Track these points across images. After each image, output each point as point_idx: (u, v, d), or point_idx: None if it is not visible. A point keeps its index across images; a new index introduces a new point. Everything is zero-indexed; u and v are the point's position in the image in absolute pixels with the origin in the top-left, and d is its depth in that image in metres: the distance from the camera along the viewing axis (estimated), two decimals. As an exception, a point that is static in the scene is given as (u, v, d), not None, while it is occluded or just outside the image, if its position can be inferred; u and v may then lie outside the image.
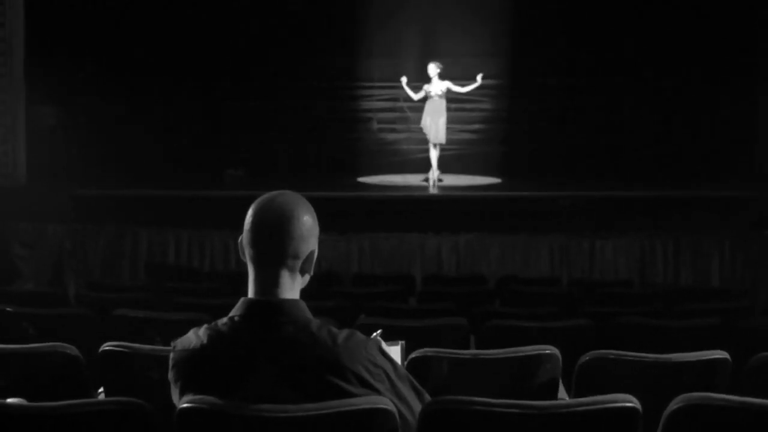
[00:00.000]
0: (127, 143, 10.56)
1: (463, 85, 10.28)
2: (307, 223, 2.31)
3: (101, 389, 3.16)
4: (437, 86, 10.26)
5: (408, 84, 10.44)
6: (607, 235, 8.62)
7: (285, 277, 2.29)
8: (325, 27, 11.44)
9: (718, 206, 8.92)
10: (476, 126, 11.30)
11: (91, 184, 9.55)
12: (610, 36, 11.16)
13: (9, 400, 2.57)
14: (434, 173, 10.37)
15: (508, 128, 11.49)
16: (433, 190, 10.11)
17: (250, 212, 2.31)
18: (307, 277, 2.35)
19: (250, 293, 2.31)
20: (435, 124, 10.28)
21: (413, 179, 10.73)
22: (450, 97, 10.35)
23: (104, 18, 10.90)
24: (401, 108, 11.41)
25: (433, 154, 10.42)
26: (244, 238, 2.31)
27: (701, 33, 10.85)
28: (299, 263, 2.30)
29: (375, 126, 11.80)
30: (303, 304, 2.31)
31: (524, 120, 11.41)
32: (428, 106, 10.34)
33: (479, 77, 10.25)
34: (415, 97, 10.41)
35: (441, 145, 10.39)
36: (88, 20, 10.78)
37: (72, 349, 3.14)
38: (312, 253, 2.32)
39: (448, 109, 10.37)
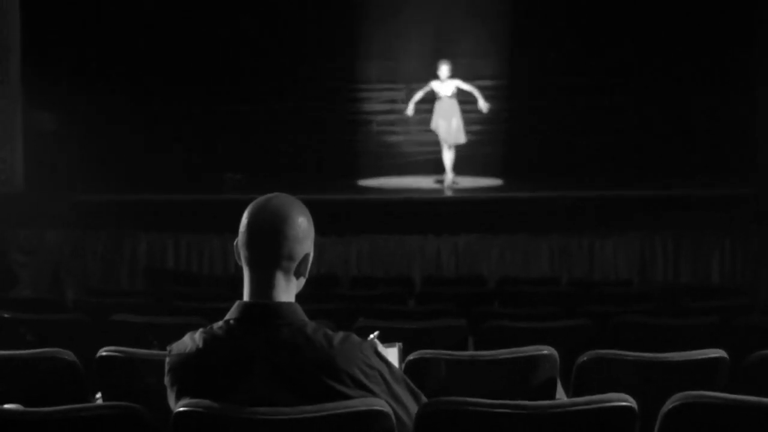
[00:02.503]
0: (126, 148, 10.55)
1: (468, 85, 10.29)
2: (302, 225, 2.32)
3: (99, 394, 3.16)
4: (447, 87, 10.22)
5: (413, 102, 10.45)
6: (607, 234, 8.61)
7: (280, 279, 2.30)
8: (323, 29, 11.43)
9: (717, 203, 8.92)
10: (476, 127, 11.29)
11: (89, 190, 9.54)
12: (609, 36, 11.15)
13: (6, 406, 2.57)
14: (448, 175, 10.34)
15: (509, 129, 11.48)
16: (447, 193, 10.10)
17: (245, 214, 2.33)
18: (302, 280, 2.36)
19: (246, 296, 2.32)
20: (448, 125, 10.24)
21: (414, 181, 10.73)
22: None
23: (102, 21, 10.90)
24: (400, 110, 11.38)
25: (447, 156, 10.37)
26: (240, 240, 2.32)
27: (700, 30, 10.84)
28: (294, 265, 2.31)
29: (374, 128, 11.79)
30: (298, 307, 2.32)
31: (524, 120, 11.40)
32: (438, 107, 10.30)
33: (485, 108, 10.27)
34: (423, 92, 10.34)
35: (456, 145, 10.34)
36: (85, 23, 10.77)
37: (69, 355, 3.15)
38: (307, 255, 2.33)
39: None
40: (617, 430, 2.29)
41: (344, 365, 2.22)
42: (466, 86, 10.26)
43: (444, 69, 10.20)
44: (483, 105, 10.28)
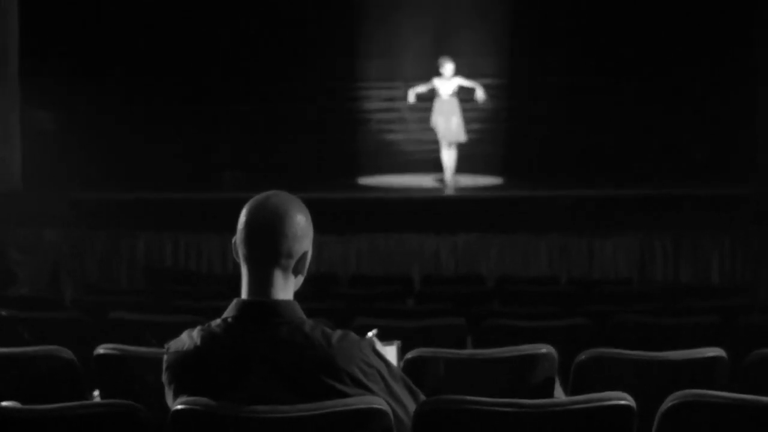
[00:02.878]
0: (124, 146, 10.55)
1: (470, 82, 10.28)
2: (301, 222, 2.31)
3: (96, 392, 3.16)
4: (449, 85, 10.20)
5: (415, 91, 10.41)
6: (607, 233, 8.61)
7: (278, 277, 2.29)
8: (323, 28, 11.42)
9: (717, 203, 8.92)
10: (476, 126, 11.29)
11: (87, 188, 9.53)
12: (610, 35, 11.15)
13: (4, 403, 2.57)
14: (448, 174, 10.32)
15: (509, 128, 11.48)
16: (446, 192, 10.09)
17: (243, 212, 2.32)
18: (300, 278, 2.36)
19: (244, 294, 2.31)
20: (448, 123, 10.21)
21: (413, 180, 10.72)
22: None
23: (101, 21, 10.89)
24: (399, 109, 11.41)
25: (446, 155, 10.34)
26: (238, 237, 2.31)
27: (700, 30, 10.84)
28: (293, 263, 2.30)
29: (373, 127, 11.79)
30: (297, 305, 2.31)
31: (524, 119, 11.39)
32: (438, 104, 10.28)
33: (482, 99, 10.27)
34: (426, 88, 10.32)
35: (457, 144, 10.32)
36: (85, 22, 10.77)
37: (67, 352, 3.14)
38: (305, 253, 2.32)
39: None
40: (616, 429, 2.29)
41: (343, 364, 2.22)
42: (468, 83, 10.24)
43: (448, 67, 10.16)
44: (481, 96, 10.24)
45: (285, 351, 2.22)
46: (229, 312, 2.30)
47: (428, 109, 10.44)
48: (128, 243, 8.69)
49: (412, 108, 10.97)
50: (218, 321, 2.30)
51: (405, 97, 10.68)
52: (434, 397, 2.33)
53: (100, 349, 3.04)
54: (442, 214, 9.15)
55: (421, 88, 10.33)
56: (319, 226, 2.42)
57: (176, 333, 2.38)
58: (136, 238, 8.69)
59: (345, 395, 2.20)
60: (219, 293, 5.67)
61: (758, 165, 9.98)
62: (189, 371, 2.29)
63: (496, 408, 2.23)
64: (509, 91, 11.44)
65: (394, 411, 2.25)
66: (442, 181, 10.37)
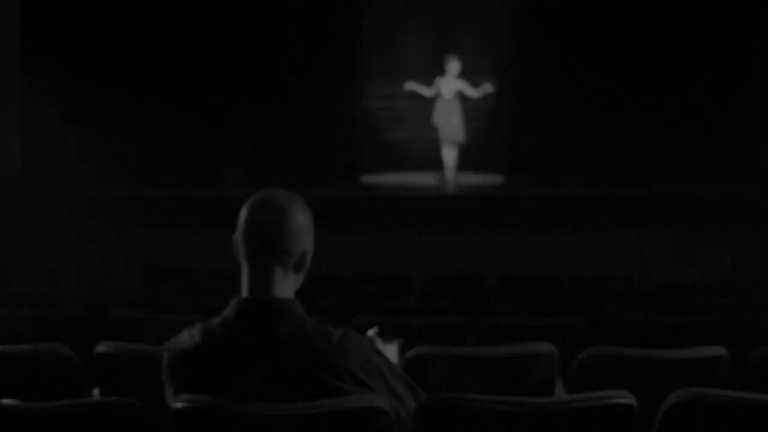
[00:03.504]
0: (124, 145, 10.54)
1: (474, 86, 10.26)
2: (302, 220, 2.31)
3: (96, 390, 3.15)
4: (450, 86, 10.20)
5: (414, 87, 10.39)
6: (608, 232, 8.62)
7: (278, 274, 2.29)
8: (324, 25, 11.42)
9: (719, 202, 8.92)
10: (478, 124, 11.29)
11: (87, 187, 9.53)
12: (611, 35, 11.15)
13: (3, 401, 2.57)
14: (449, 173, 10.31)
15: (510, 126, 11.48)
16: (447, 190, 10.09)
17: (244, 209, 2.32)
18: (301, 276, 2.35)
19: (244, 292, 2.31)
20: (448, 124, 10.21)
21: (414, 178, 10.72)
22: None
23: (101, 19, 10.88)
24: (400, 107, 11.41)
25: (447, 155, 10.34)
26: (239, 234, 2.32)
27: (701, 29, 10.84)
28: (293, 260, 2.30)
29: (374, 125, 11.78)
30: (297, 303, 2.31)
31: (526, 118, 11.39)
32: (440, 104, 10.28)
33: (489, 87, 10.26)
34: (428, 93, 10.34)
35: (458, 144, 10.32)
36: (86, 19, 10.75)
37: (66, 350, 3.14)
38: (306, 251, 2.33)
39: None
40: (617, 427, 2.28)
41: (343, 362, 2.22)
42: (470, 91, 10.23)
43: (454, 65, 10.16)
44: (488, 87, 10.24)
45: (285, 349, 2.22)
46: (229, 310, 2.30)
47: (429, 108, 10.45)
48: (128, 241, 8.69)
49: (413, 107, 10.95)
50: (218, 319, 2.30)
51: (406, 96, 10.68)
52: (435, 395, 2.32)
53: (100, 347, 3.03)
54: (442, 212, 9.15)
55: (425, 91, 10.33)
56: (320, 223, 2.42)
57: (176, 331, 2.38)
58: (135, 237, 8.69)
59: (345, 393, 2.20)
60: (219, 291, 5.67)
61: (758, 165, 9.98)
62: (189, 369, 2.29)
63: (497, 406, 2.23)
64: (510, 90, 11.43)
65: (394, 409, 2.25)
66: (443, 179, 10.37)
